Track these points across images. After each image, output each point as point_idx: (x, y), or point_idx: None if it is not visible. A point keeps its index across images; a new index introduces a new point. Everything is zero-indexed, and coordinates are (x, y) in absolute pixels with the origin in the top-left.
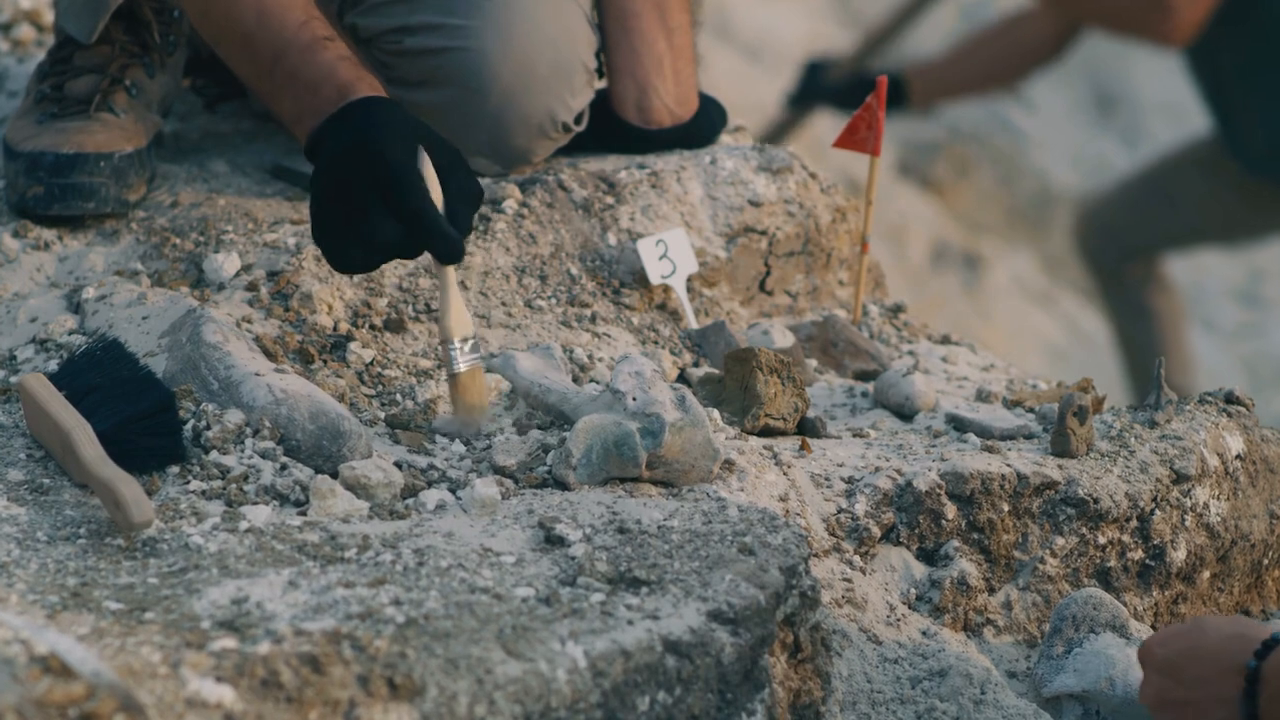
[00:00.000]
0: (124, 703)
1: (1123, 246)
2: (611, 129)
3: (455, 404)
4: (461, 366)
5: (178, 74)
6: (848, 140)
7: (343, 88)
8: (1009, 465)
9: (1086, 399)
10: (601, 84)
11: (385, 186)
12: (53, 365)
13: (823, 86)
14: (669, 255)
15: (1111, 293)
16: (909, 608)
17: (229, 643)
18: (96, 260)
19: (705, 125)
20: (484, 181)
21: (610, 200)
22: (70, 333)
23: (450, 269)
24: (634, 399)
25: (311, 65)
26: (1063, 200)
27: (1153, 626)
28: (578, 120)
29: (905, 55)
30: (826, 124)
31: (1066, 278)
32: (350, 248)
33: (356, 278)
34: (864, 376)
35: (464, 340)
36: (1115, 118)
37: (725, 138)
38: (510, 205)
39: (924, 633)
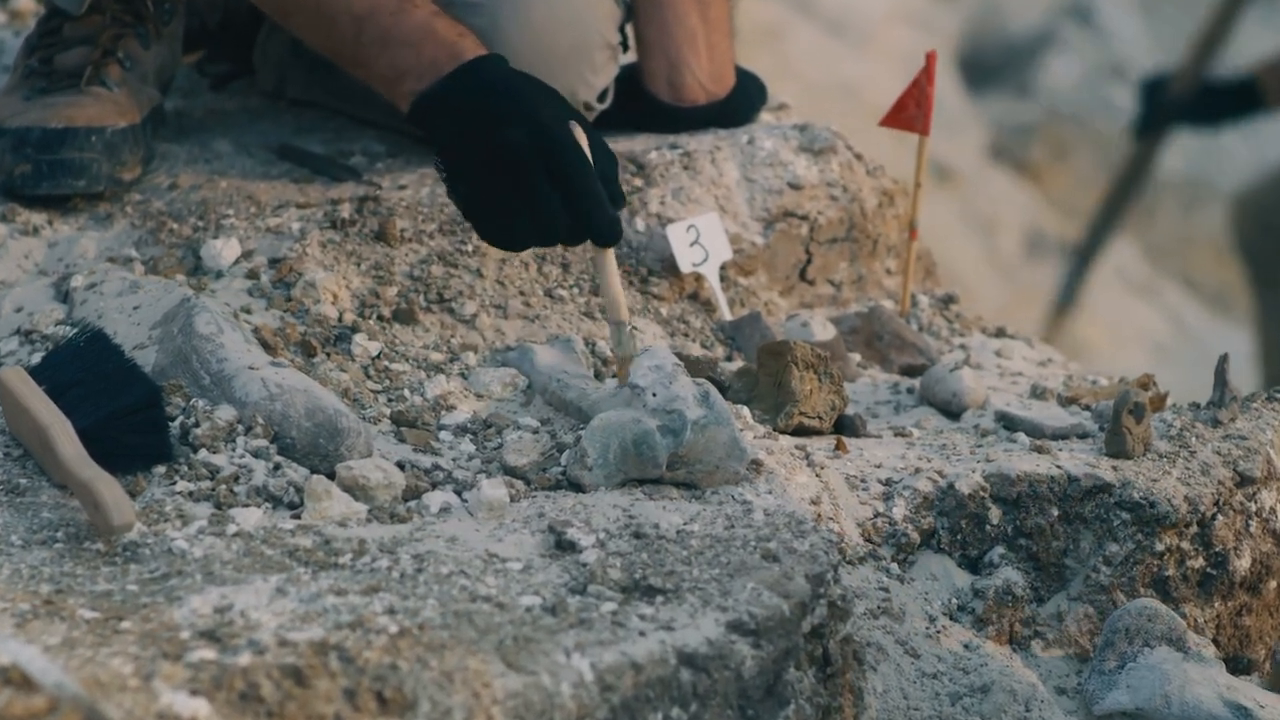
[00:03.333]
0: (89, 716)
1: None
2: (642, 107)
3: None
4: (635, 349)
5: (176, 44)
6: (896, 119)
7: (450, 45)
8: (1059, 466)
9: (1144, 396)
10: (632, 58)
11: (552, 165)
12: (37, 359)
13: (1171, 105)
14: (701, 241)
15: (1265, 291)
16: (950, 619)
17: (208, 653)
18: (88, 246)
19: (742, 103)
20: None
21: (639, 182)
22: (57, 324)
23: (609, 252)
24: (654, 395)
25: (405, 24)
26: (1168, 186)
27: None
28: (601, 98)
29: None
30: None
31: (1171, 269)
32: (522, 228)
33: (364, 266)
34: (910, 372)
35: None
36: None
37: (766, 116)
38: None
39: (966, 646)
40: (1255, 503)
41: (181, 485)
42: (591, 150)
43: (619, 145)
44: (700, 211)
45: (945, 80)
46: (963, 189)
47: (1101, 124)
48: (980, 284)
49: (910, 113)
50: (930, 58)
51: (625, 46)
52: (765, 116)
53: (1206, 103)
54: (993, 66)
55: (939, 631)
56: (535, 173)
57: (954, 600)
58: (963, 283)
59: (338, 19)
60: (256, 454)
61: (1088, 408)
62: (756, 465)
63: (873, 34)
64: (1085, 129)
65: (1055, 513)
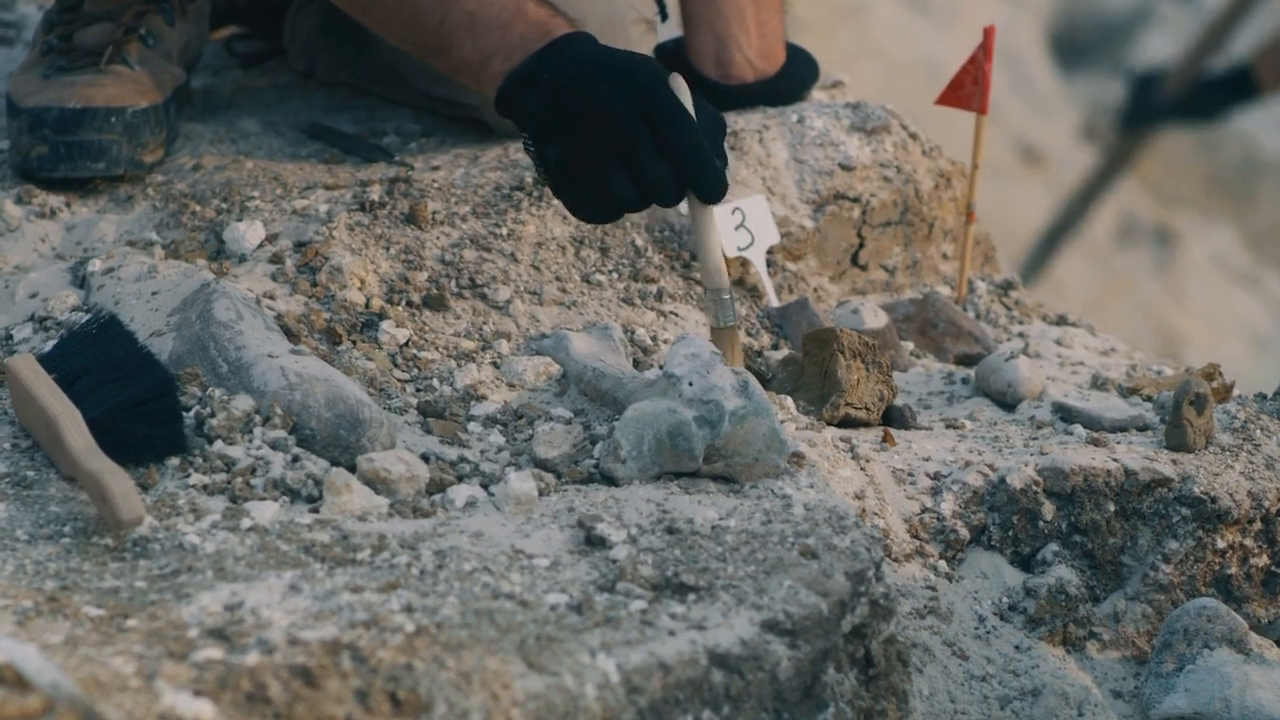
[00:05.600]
0: (85, 717)
1: None
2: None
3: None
4: (733, 320)
5: (202, 21)
6: (952, 97)
7: (541, 24)
8: (1116, 460)
9: (1205, 386)
10: (677, 32)
11: (655, 121)
12: (51, 346)
13: (1162, 101)
14: (746, 225)
15: None
16: (1000, 619)
17: (214, 653)
18: (107, 229)
19: (792, 80)
20: None
21: None
22: (73, 309)
23: (712, 210)
24: (690, 384)
25: (491, 6)
26: (1270, 168)
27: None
28: None
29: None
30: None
31: (1273, 255)
32: (621, 189)
33: (393, 250)
34: (966, 361)
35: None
36: None
37: (819, 94)
38: None
39: (1017, 647)
40: None
41: (195, 478)
42: (695, 110)
43: None
44: (746, 193)
45: (1036, 58)
46: (1053, 171)
47: None
48: (1069, 272)
49: (967, 90)
50: (988, 33)
51: (664, 16)
52: (818, 94)
53: (1200, 98)
54: (1086, 44)
55: (989, 632)
56: (637, 127)
57: (1005, 599)
58: (1051, 270)
59: (421, 5)
60: (274, 445)
61: (1149, 399)
62: (798, 458)
63: (958, 10)
64: None
65: (1112, 508)
